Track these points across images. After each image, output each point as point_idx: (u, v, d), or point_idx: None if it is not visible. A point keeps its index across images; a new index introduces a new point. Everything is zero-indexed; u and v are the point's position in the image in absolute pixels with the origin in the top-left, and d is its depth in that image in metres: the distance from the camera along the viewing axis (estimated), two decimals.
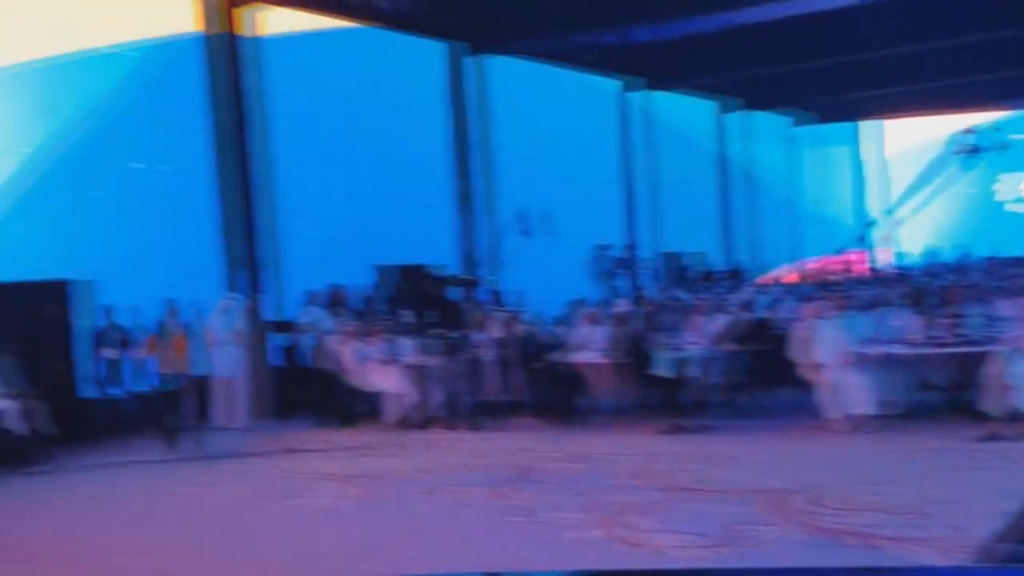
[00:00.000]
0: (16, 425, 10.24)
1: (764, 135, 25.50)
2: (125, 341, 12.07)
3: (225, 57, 13.45)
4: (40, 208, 12.57)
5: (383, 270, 15.00)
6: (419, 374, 11.73)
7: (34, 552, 6.85)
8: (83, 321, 11.68)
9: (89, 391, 11.79)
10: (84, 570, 6.42)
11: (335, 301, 13.63)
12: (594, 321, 12.11)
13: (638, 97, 20.99)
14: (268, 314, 13.46)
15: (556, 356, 11.74)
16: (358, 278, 14.46)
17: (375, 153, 16.17)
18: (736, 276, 20.18)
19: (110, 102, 13.33)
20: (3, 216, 12.26)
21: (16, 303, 10.97)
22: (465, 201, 17.09)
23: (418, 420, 11.51)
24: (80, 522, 7.71)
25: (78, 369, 11.62)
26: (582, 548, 6.31)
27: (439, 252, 16.52)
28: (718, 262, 22.58)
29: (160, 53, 13.83)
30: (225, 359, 12.27)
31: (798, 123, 27.17)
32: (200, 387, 12.11)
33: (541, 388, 11.58)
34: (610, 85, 20.48)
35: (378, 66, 16.29)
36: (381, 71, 16.33)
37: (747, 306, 12.78)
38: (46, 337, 11.15)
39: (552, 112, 19.08)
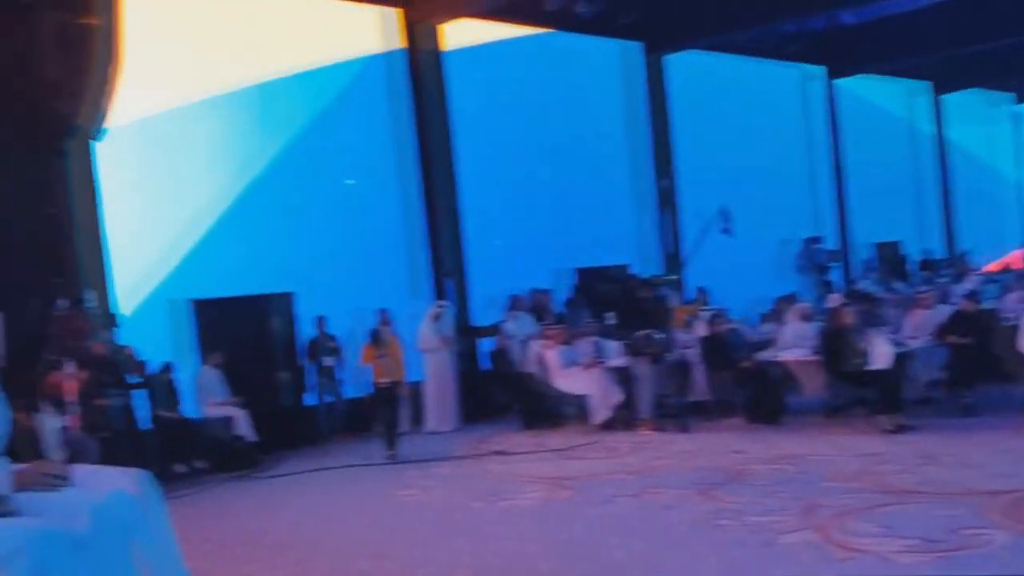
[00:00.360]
0: (244, 431, 10.94)
1: (983, 114, 23.91)
2: (340, 350, 12.66)
3: (424, 71, 14.03)
4: (261, 225, 13.33)
5: (584, 273, 15.06)
6: (624, 375, 11.69)
7: (263, 551, 7.25)
8: (302, 332, 12.34)
9: (309, 398, 12.43)
10: (313, 569, 6.72)
11: (537, 305, 13.81)
12: (804, 317, 11.72)
13: (842, 82, 20.16)
14: (473, 320, 13.79)
15: (764, 354, 11.42)
16: (559, 282, 14.57)
17: (573, 157, 16.22)
18: (959, 265, 19.00)
19: (321, 121, 14.01)
20: (230, 233, 13.08)
21: (242, 316, 11.69)
22: (664, 200, 16.95)
23: (624, 422, 11.47)
24: (305, 523, 8.10)
25: (299, 377, 12.27)
26: (797, 552, 6.09)
27: (640, 253, 16.43)
28: (938, 250, 21.34)
29: (366, 71, 14.43)
30: (434, 365, 12.66)
31: (1022, 99, 25.31)
32: (411, 392, 12.55)
33: (749, 387, 11.29)
34: (811, 71, 19.75)
35: (568, 70, 16.35)
36: (571, 75, 16.38)
37: (972, 296, 12.00)
38: (269, 347, 11.84)
39: (748, 104, 18.57)
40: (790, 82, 19.96)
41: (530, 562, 6.35)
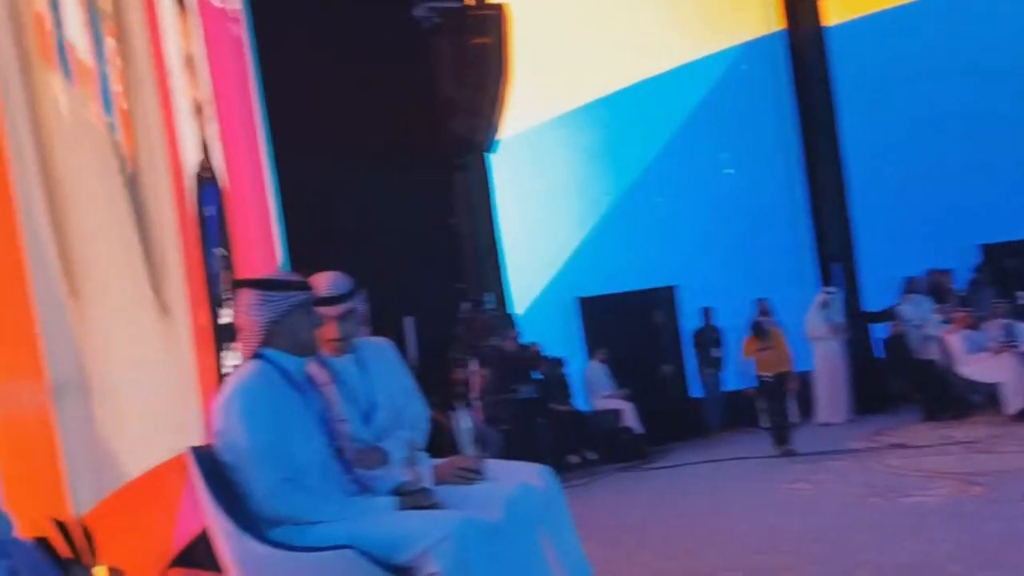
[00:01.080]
0: (633, 424, 11.27)
1: None
2: (722, 342, 12.64)
3: (807, 50, 13.72)
4: (646, 220, 13.67)
5: (990, 249, 13.87)
6: None
7: (655, 541, 7.42)
8: (686, 324, 12.49)
9: (695, 391, 12.54)
10: (705, 561, 6.80)
11: (936, 287, 12.94)
12: None
13: None
14: (865, 305, 13.20)
15: None
16: (961, 260, 13.54)
17: (971, 124, 14.90)
18: None
19: (700, 112, 14.10)
20: (616, 231, 13.54)
21: (628, 311, 12.11)
22: None
23: None
24: (693, 515, 8.22)
25: (685, 370, 12.44)
26: None
27: None
28: None
29: (745, 56, 14.34)
30: (824, 354, 12.29)
31: None
32: (800, 383, 12.25)
33: None
34: None
35: (964, 28, 15.02)
36: (968, 33, 15.02)
37: None
38: (655, 341, 12.13)
39: None
40: None
41: (939, 564, 5.97)
